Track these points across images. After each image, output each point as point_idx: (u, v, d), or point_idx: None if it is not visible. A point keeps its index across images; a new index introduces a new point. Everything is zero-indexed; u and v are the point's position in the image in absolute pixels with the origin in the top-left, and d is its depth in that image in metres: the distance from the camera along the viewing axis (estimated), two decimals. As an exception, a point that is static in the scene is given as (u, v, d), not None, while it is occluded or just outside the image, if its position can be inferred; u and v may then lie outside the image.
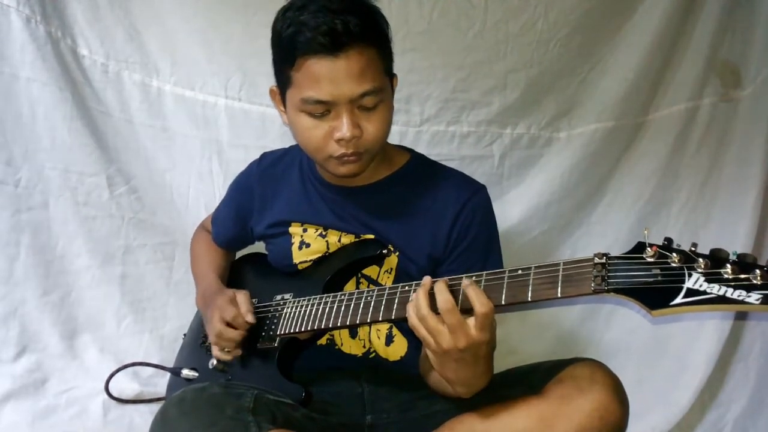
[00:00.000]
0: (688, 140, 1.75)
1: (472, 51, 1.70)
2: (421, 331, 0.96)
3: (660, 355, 1.73)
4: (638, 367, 1.72)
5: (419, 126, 1.75)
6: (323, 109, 1.10)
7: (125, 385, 1.59)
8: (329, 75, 1.06)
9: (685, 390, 1.65)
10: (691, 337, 1.69)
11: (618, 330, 1.79)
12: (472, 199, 1.24)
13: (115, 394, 1.56)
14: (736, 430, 1.66)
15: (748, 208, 1.63)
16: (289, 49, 1.09)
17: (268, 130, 1.73)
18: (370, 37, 1.08)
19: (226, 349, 1.23)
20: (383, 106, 1.13)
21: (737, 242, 1.62)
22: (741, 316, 1.69)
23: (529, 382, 1.06)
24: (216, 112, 1.73)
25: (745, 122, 1.70)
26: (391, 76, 1.17)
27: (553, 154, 1.79)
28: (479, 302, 0.92)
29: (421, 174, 1.29)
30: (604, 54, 1.73)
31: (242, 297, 1.24)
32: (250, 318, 1.21)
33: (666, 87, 1.75)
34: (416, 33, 1.66)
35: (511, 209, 1.78)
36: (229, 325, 1.21)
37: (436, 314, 0.94)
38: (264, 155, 1.42)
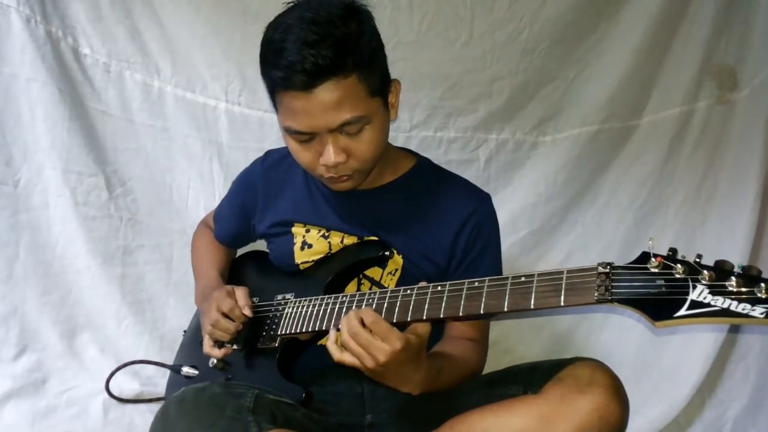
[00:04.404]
0: (684, 143, 1.77)
1: (459, 61, 1.74)
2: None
3: (658, 352, 1.74)
4: (636, 363, 1.73)
5: (408, 131, 1.79)
6: (307, 137, 1.11)
7: (125, 384, 1.59)
8: (304, 110, 1.07)
9: (683, 385, 1.65)
10: (690, 335, 1.70)
11: (615, 327, 1.79)
12: (479, 210, 1.26)
13: (115, 394, 1.56)
14: (737, 429, 1.66)
15: (746, 210, 1.63)
16: (268, 81, 1.11)
17: (267, 134, 1.74)
18: (346, 66, 1.05)
19: (216, 344, 1.24)
20: (370, 128, 1.12)
21: (735, 244, 1.63)
22: (735, 329, 1.69)
23: (529, 381, 1.06)
24: (216, 114, 1.74)
25: (742, 124, 1.70)
26: (383, 93, 1.15)
27: (540, 157, 1.82)
28: (345, 324, 1.03)
29: (426, 180, 1.30)
30: (590, 60, 1.76)
31: (240, 291, 1.25)
32: (247, 311, 1.22)
33: (660, 90, 1.77)
34: (406, 43, 1.71)
35: (498, 210, 1.80)
36: (225, 317, 1.21)
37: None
38: (268, 153, 1.43)
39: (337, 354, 1.05)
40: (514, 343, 1.81)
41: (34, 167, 1.63)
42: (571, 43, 1.74)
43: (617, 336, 1.79)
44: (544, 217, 1.82)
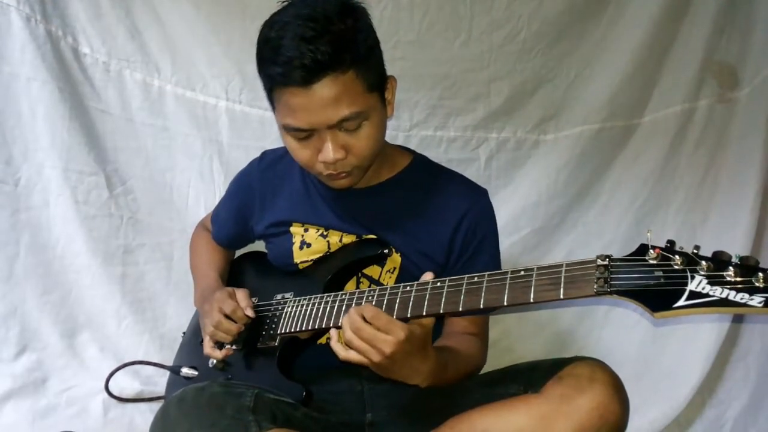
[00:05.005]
0: (685, 141, 1.77)
1: (458, 60, 1.75)
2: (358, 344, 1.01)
3: (658, 352, 1.74)
4: (636, 363, 1.73)
5: (408, 131, 1.80)
6: (305, 135, 1.11)
7: (125, 384, 1.59)
8: (303, 106, 1.07)
9: (683, 385, 1.66)
10: (690, 334, 1.70)
11: (616, 326, 1.79)
12: (476, 206, 1.26)
13: (115, 393, 1.56)
14: (737, 429, 1.66)
15: (747, 209, 1.64)
16: (266, 79, 1.12)
17: (268, 132, 1.74)
18: (344, 61, 1.05)
19: (217, 345, 1.24)
20: (369, 124, 1.12)
21: (736, 242, 1.63)
22: (738, 319, 1.69)
23: (529, 380, 1.06)
24: (217, 113, 1.75)
25: (743, 123, 1.71)
26: (380, 90, 1.15)
27: (541, 156, 1.83)
28: (346, 322, 1.00)
29: (423, 177, 1.30)
30: (591, 58, 1.77)
31: (242, 293, 1.25)
32: (249, 312, 1.22)
33: (661, 89, 1.77)
34: (406, 42, 1.72)
35: (499, 209, 1.81)
36: (227, 318, 1.21)
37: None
38: (265, 153, 1.43)
39: (342, 353, 1.04)
40: (514, 342, 1.82)
41: (35, 166, 1.63)
42: (571, 42, 1.76)
43: (617, 335, 1.79)
44: (545, 216, 1.82)
